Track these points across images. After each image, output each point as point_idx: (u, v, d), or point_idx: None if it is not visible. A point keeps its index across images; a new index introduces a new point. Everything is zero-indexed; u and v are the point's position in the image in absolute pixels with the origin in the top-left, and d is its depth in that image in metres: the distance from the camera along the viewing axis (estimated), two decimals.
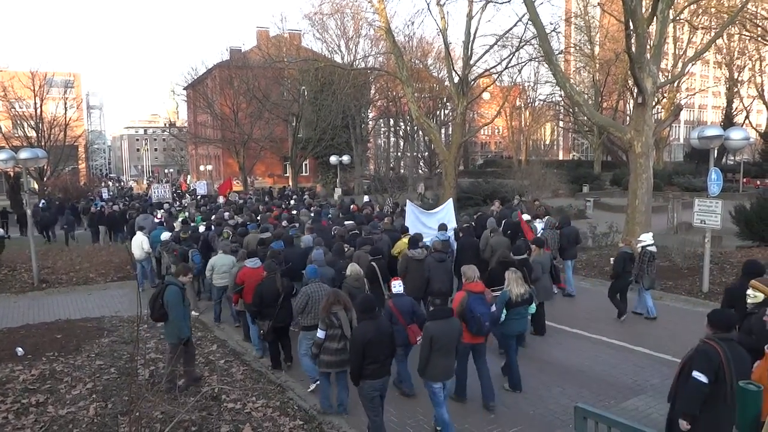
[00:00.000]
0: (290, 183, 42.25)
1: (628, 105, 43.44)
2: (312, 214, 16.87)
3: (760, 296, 5.82)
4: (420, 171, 46.96)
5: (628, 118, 37.91)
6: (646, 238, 10.46)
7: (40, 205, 35.55)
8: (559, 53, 27.84)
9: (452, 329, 6.13)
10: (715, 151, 13.72)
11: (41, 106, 40.31)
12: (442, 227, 12.02)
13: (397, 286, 7.17)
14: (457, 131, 25.27)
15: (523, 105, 56.22)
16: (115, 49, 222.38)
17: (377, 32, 30.74)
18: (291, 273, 9.15)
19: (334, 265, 9.37)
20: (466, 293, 6.94)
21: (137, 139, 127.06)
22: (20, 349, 9.11)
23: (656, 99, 31.21)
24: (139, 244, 14.00)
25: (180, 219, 18.05)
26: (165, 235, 13.33)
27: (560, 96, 44.33)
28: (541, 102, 54.16)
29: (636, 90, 16.56)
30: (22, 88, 38.68)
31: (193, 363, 7.90)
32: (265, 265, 8.62)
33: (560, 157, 71.14)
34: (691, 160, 45.81)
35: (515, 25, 25.06)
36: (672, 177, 38.88)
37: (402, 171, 46.47)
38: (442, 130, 41.39)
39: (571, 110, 43.82)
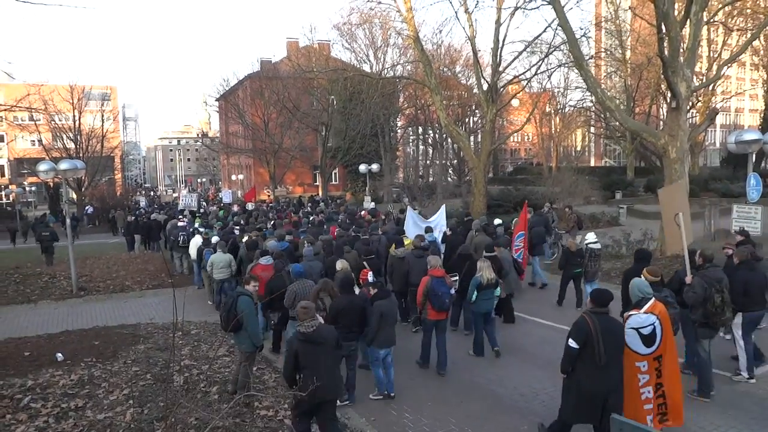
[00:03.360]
0: (320, 192, 42.60)
1: (661, 109, 42.59)
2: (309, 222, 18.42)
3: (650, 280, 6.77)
4: (449, 179, 46.79)
5: (661, 123, 37.17)
6: (590, 238, 12.00)
7: (89, 211, 37.02)
8: (589, 58, 27.61)
9: (394, 306, 8.01)
10: (754, 156, 13.36)
11: (80, 118, 41.49)
12: (428, 229, 13.40)
13: (369, 276, 8.79)
14: (487, 138, 25.17)
15: (553, 111, 55.59)
16: (149, 62, 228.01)
17: (405, 41, 30.89)
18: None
19: (323, 261, 10.91)
20: (429, 277, 8.53)
21: (171, 150, 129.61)
22: (60, 354, 9.36)
23: (691, 103, 30.58)
24: (197, 245, 14.62)
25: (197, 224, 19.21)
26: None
27: (591, 101, 43.80)
28: (572, 108, 53.43)
29: (670, 94, 16.23)
30: (61, 101, 39.80)
31: (251, 372, 7.91)
32: (274, 264, 10.00)
33: (592, 164, 69.94)
34: (728, 165, 44.56)
35: (544, 31, 25.09)
36: (708, 183, 37.86)
37: (431, 179, 46.37)
38: (471, 138, 41.18)
39: (602, 116, 43.33)
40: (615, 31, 41.71)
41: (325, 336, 6.00)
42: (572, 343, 5.69)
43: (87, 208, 40.36)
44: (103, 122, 43.91)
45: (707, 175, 41.59)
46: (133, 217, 25.98)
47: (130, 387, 7.87)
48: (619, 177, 44.30)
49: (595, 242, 11.97)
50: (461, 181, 42.96)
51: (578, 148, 69.20)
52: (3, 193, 61.30)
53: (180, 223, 18.92)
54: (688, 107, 22.98)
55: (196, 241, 14.81)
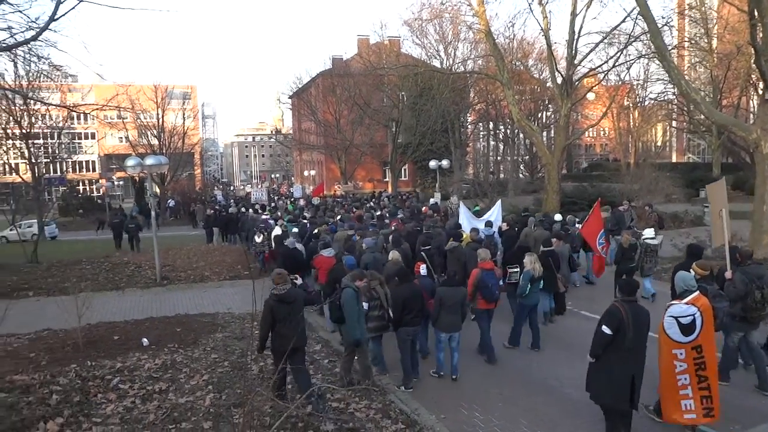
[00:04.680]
0: (390, 187, 42.85)
1: (752, 102, 39.90)
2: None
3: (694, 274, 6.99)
4: (521, 175, 45.91)
5: (752, 116, 34.86)
6: (647, 233, 12.26)
7: (171, 204, 39.26)
8: (672, 48, 26.25)
9: (456, 294, 8.18)
10: None
11: (163, 116, 43.52)
12: (488, 224, 14.28)
13: (422, 269, 9.12)
14: (561, 134, 24.50)
15: (631, 104, 53.17)
16: (227, 62, 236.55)
17: (477, 35, 30.54)
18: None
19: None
20: (479, 270, 9.08)
21: (246, 146, 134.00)
22: (145, 340, 9.90)
23: None
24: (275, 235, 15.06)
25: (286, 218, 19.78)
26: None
27: (673, 94, 41.51)
28: (652, 101, 50.87)
29: (762, 85, 15.21)
30: (146, 100, 41.87)
31: (367, 361, 8.23)
32: (336, 255, 10.75)
33: (673, 160, 66.44)
34: None
35: (623, 20, 23.88)
36: None
37: (502, 175, 45.63)
38: (544, 133, 40.24)
39: (685, 109, 40.99)
40: (700, 19, 39.29)
41: (294, 296, 7.11)
42: (605, 329, 6.05)
43: (169, 201, 42.46)
44: (184, 120, 45.87)
45: None
46: (212, 211, 27.11)
47: (210, 373, 8.22)
48: (703, 174, 41.79)
49: (652, 238, 12.15)
50: (533, 177, 42.10)
51: (658, 144, 65.91)
52: (94, 186, 65.45)
53: (263, 216, 19.80)
54: None
55: (276, 232, 15.52)
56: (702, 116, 32.13)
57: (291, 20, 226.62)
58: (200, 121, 72.86)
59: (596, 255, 13.36)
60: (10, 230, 25.75)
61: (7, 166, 32.40)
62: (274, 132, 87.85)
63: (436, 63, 39.61)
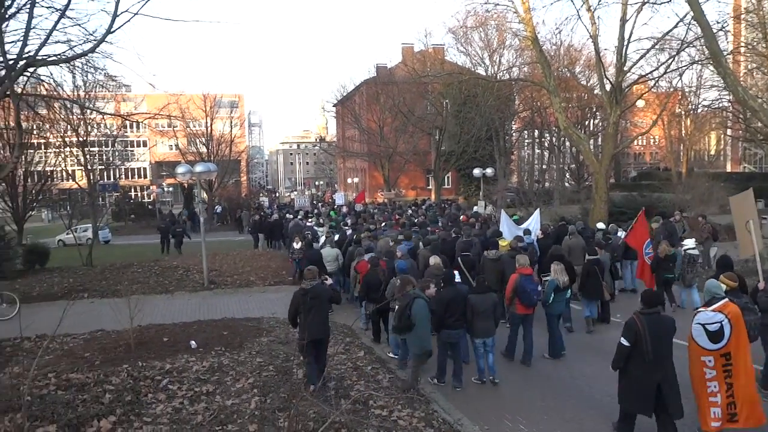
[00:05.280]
0: (433, 195, 42.73)
1: None
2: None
3: (724, 286, 7.02)
4: (567, 184, 45.03)
5: None
6: (688, 244, 12.16)
7: (218, 210, 40.34)
8: (728, 54, 25.33)
9: (486, 300, 8.37)
10: None
11: (211, 124, 44.61)
12: (527, 232, 14.54)
13: (455, 275, 9.28)
14: (609, 142, 23.91)
15: (683, 112, 51.55)
16: (273, 71, 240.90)
17: (522, 42, 30.17)
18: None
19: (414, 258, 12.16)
20: (518, 275, 9.21)
21: (291, 154, 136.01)
22: (194, 342, 10.12)
23: None
24: (335, 257, 14.12)
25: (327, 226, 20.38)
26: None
27: (729, 101, 40.02)
28: (705, 108, 49.15)
29: None
30: (196, 109, 43.05)
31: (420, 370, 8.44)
32: (369, 260, 11.06)
33: (728, 169, 64.05)
34: None
35: (675, 26, 23.00)
36: None
37: (547, 184, 44.87)
38: (592, 141, 39.35)
39: (741, 117, 39.48)
40: (758, 23, 37.85)
41: (318, 292, 7.90)
42: (624, 341, 6.23)
43: (216, 207, 43.45)
44: (231, 128, 46.92)
45: None
46: (258, 217, 27.61)
47: (255, 376, 8.32)
48: (760, 184, 40.11)
49: (693, 248, 12.12)
50: (580, 186, 41.19)
51: (712, 152, 63.67)
52: (145, 192, 67.63)
53: (308, 223, 20.09)
54: None
55: (321, 238, 16.20)
56: (760, 124, 30.85)
57: (336, 30, 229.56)
58: (247, 129, 74.49)
59: (643, 264, 13.08)
60: (67, 234, 26.80)
61: (64, 173, 33.84)
62: (318, 140, 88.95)
63: (481, 71, 39.34)
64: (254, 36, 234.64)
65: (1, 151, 23.84)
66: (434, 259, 10.58)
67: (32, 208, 25.89)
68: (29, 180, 25.06)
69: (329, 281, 9.11)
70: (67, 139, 28.42)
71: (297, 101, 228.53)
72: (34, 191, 25.14)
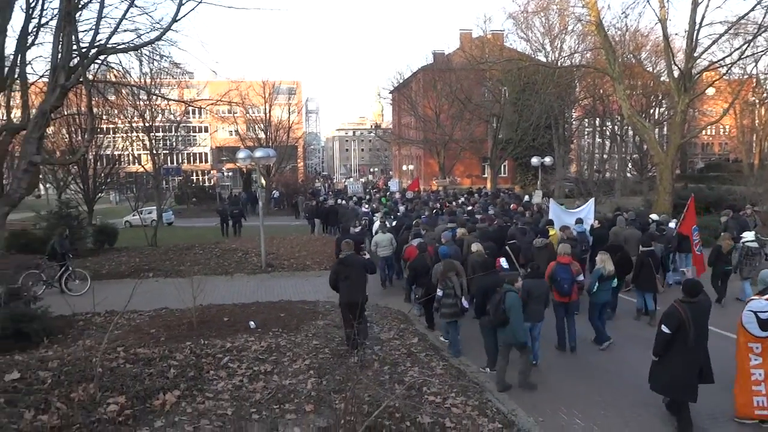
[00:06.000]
0: (488, 184, 42.20)
1: None
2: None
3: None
4: (629, 174, 43.53)
5: None
6: (747, 236, 11.99)
7: (275, 195, 41.38)
8: None
9: (540, 286, 8.69)
10: None
11: (270, 111, 45.44)
12: (579, 221, 14.40)
13: (503, 262, 10.11)
14: (676, 131, 22.99)
15: (757, 101, 48.75)
16: (331, 58, 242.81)
17: (586, 27, 29.21)
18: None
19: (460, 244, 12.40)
20: (555, 263, 9.43)
21: (347, 140, 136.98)
22: (253, 322, 10.40)
23: None
24: (389, 241, 14.30)
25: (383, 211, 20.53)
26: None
27: None
28: None
29: None
30: (255, 95, 43.94)
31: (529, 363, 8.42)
32: (417, 245, 11.35)
33: None
34: None
35: (752, 9, 21.73)
36: None
37: (608, 174, 43.51)
38: (657, 130, 37.87)
39: None
40: None
41: (353, 261, 9.10)
42: (665, 329, 6.38)
43: (273, 192, 44.34)
44: (289, 114, 47.56)
45: None
46: (314, 202, 28.02)
47: (311, 358, 8.47)
48: None
49: (752, 241, 11.97)
50: (643, 177, 39.77)
51: None
52: (206, 176, 69.72)
53: (363, 209, 20.31)
54: None
55: (376, 224, 16.40)
56: None
57: (394, 16, 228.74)
58: (304, 115, 75.17)
59: (696, 254, 12.82)
60: (133, 216, 28.02)
61: (131, 157, 35.31)
62: (373, 127, 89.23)
63: (541, 57, 38.50)
64: (313, 23, 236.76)
65: (74, 136, 25.12)
66: (476, 246, 10.82)
67: (101, 191, 27.20)
68: (99, 164, 26.30)
69: (366, 255, 10.21)
70: (134, 125, 29.61)
71: (353, 88, 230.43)
72: (103, 174, 26.37)
